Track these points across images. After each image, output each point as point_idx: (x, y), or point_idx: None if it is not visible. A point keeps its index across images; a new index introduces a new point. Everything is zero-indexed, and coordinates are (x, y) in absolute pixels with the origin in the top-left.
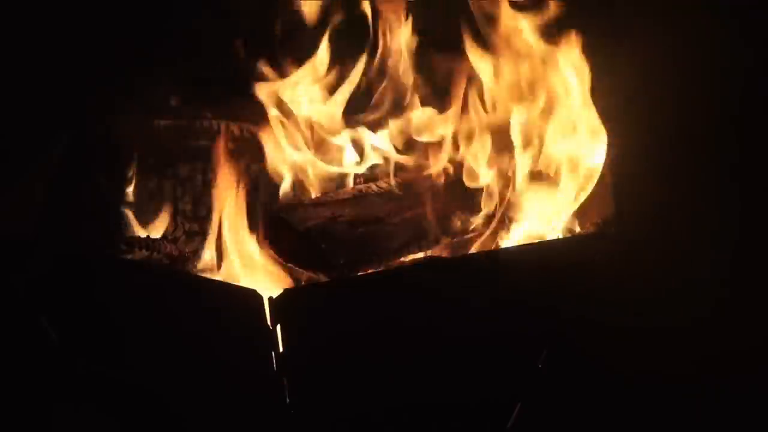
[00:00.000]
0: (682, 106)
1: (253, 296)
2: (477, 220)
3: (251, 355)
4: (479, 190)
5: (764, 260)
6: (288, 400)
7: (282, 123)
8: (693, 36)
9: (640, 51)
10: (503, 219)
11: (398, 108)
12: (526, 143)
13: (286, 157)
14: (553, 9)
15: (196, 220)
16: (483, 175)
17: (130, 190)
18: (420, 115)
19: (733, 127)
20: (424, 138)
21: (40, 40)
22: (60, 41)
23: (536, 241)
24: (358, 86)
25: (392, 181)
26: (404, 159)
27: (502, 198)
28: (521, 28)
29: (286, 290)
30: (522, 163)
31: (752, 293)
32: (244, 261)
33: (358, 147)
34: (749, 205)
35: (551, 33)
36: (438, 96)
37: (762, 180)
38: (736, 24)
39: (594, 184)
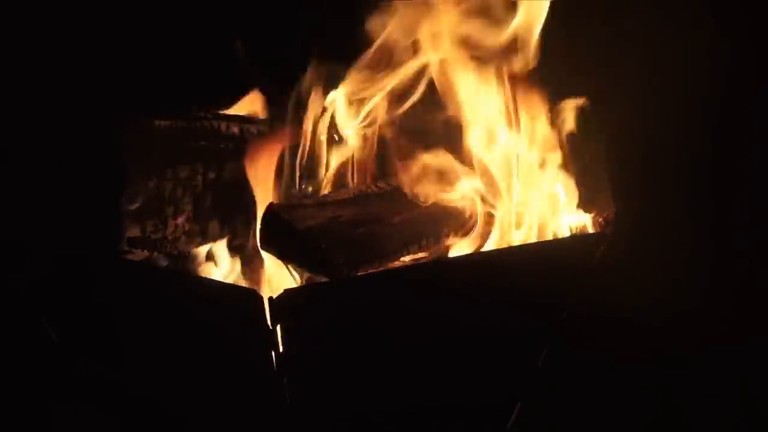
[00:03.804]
0: (682, 107)
1: (253, 296)
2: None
3: (251, 355)
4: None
5: (764, 259)
6: (288, 400)
7: None
8: (692, 39)
9: (640, 53)
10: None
11: None
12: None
13: None
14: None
15: (196, 220)
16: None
17: (130, 190)
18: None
19: (733, 128)
20: None
21: (43, 40)
22: (62, 41)
23: (536, 241)
24: None
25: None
26: None
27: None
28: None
29: (286, 290)
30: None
31: (752, 292)
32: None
33: None
34: (749, 205)
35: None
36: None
37: (762, 181)
38: (733, 30)
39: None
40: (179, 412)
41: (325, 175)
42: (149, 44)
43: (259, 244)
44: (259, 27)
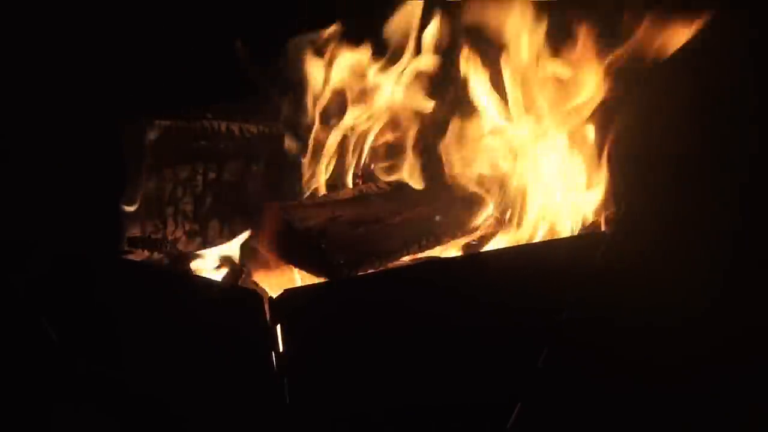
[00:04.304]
0: (683, 107)
1: (253, 296)
2: (477, 221)
3: (251, 355)
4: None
5: (763, 261)
6: (288, 400)
7: None
8: (695, 40)
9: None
10: (503, 219)
11: None
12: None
13: None
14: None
15: (196, 220)
16: (481, 175)
17: (130, 190)
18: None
19: (733, 129)
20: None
21: (43, 40)
22: (62, 41)
23: (536, 241)
24: None
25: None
26: None
27: (500, 198)
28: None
29: (286, 290)
30: (520, 163)
31: (751, 293)
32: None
33: None
34: (749, 206)
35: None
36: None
37: (762, 182)
38: (738, 29)
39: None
40: (179, 412)
41: (325, 174)
42: (149, 44)
43: (259, 244)
44: (260, 27)
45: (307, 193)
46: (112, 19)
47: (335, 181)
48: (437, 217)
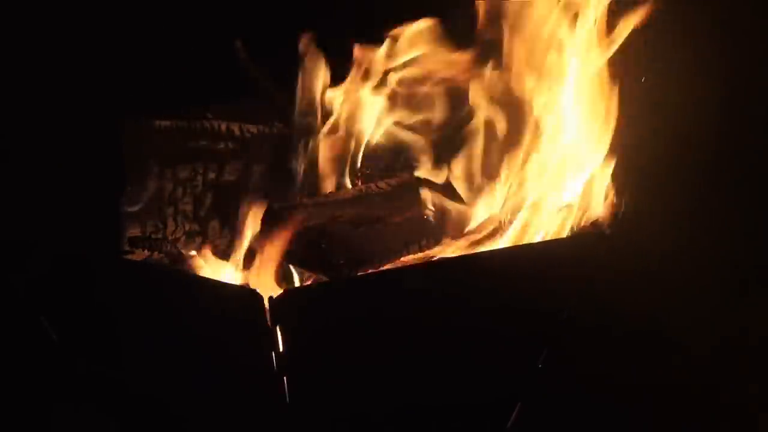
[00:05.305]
0: (683, 107)
1: (253, 296)
2: (477, 221)
3: (251, 356)
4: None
5: (764, 261)
6: (288, 399)
7: None
8: (698, 39)
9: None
10: (503, 219)
11: None
12: (527, 145)
13: None
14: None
15: (196, 220)
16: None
17: (130, 190)
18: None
19: (734, 128)
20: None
21: (43, 40)
22: (63, 41)
23: (536, 241)
24: None
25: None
26: None
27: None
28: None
29: (286, 290)
30: (521, 163)
31: (751, 295)
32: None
33: None
34: (749, 206)
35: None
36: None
37: (762, 181)
38: (738, 30)
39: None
40: (179, 412)
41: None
42: (149, 44)
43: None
44: (259, 27)
45: (307, 193)
46: (112, 19)
47: (335, 181)
48: (436, 218)
